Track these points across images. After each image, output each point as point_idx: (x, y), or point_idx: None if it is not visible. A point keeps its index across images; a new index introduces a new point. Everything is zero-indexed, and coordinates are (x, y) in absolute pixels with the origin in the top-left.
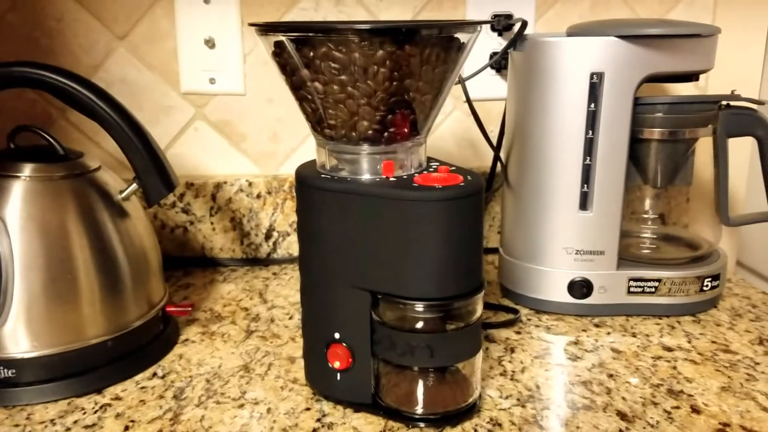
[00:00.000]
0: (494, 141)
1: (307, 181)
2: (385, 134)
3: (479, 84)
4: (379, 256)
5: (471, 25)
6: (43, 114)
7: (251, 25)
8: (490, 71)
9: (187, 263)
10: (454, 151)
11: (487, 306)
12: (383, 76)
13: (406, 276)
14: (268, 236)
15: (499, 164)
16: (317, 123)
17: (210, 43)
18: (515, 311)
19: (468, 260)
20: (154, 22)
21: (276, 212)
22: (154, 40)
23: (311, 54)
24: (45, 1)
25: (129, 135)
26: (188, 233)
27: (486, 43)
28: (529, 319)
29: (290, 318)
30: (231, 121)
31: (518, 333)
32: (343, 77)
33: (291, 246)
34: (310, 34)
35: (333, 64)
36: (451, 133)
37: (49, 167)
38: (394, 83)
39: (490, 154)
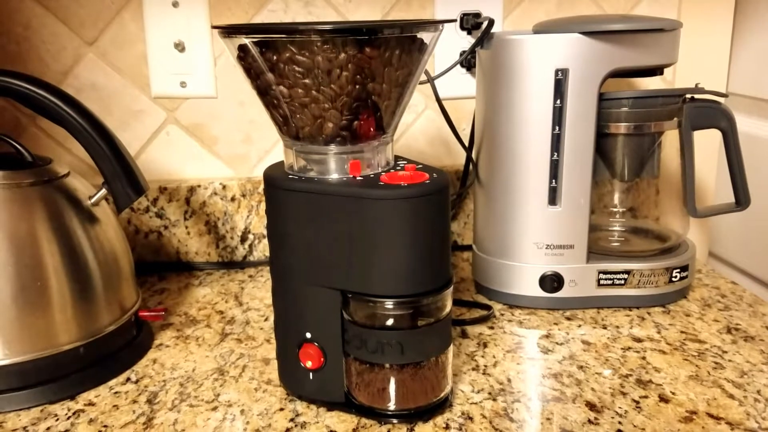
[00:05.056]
0: (466, 138)
1: (275, 182)
2: (352, 135)
3: (451, 82)
4: (348, 255)
5: (433, 25)
6: (12, 121)
7: (214, 27)
8: (460, 70)
9: (163, 268)
10: (427, 150)
11: (461, 303)
12: (346, 78)
13: (374, 274)
14: (243, 239)
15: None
16: (284, 125)
17: (180, 47)
18: (488, 307)
19: (435, 257)
20: (122, 26)
21: (251, 214)
22: (123, 44)
23: (275, 58)
24: (11, 7)
25: (96, 140)
26: (163, 238)
27: (456, 42)
28: (502, 314)
29: (265, 320)
30: (203, 124)
31: (491, 328)
32: (307, 81)
33: (267, 248)
34: (273, 36)
35: (297, 68)
36: (424, 132)
37: (18, 174)
38: (357, 85)
39: (463, 152)
